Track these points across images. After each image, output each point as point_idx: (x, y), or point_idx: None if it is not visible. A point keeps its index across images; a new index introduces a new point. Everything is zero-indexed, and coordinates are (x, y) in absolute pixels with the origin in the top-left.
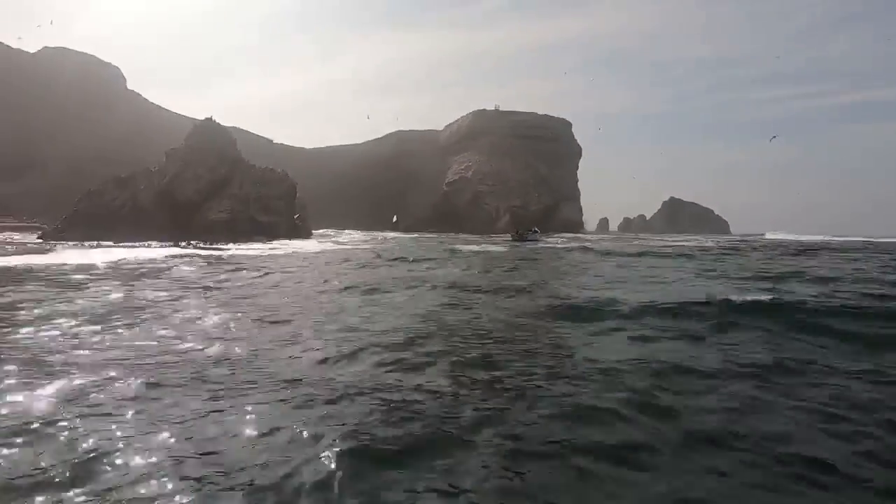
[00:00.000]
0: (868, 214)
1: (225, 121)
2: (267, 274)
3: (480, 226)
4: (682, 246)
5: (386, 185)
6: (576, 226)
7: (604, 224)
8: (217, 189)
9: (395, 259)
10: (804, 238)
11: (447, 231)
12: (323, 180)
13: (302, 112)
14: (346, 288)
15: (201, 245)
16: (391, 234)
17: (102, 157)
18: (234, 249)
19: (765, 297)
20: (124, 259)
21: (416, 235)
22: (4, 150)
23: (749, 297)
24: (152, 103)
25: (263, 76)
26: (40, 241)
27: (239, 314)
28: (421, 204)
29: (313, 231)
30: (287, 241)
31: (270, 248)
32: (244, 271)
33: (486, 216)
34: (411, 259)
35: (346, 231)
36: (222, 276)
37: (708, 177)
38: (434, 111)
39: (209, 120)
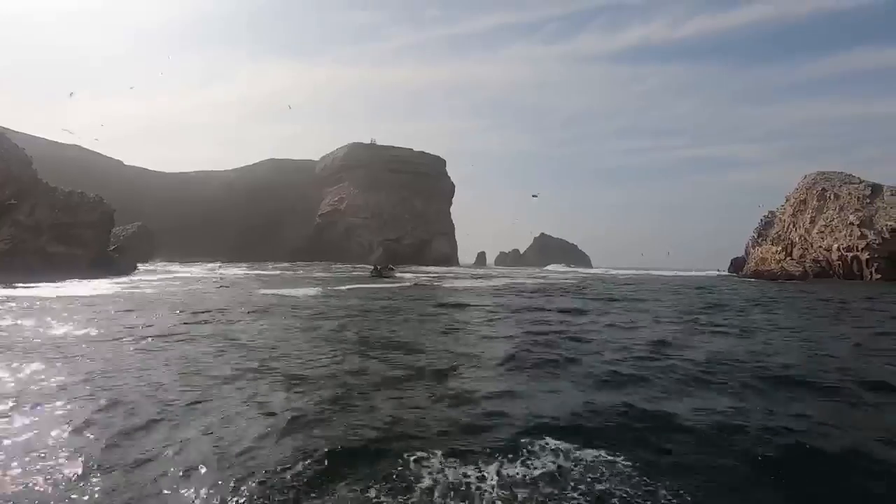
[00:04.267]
0: (693, 249)
1: (71, 139)
2: None
3: (354, 258)
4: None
5: (259, 214)
6: (449, 259)
7: (482, 258)
8: None
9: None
10: (591, 272)
11: (325, 261)
12: (186, 207)
13: (179, 135)
14: None
15: None
16: (230, 272)
17: None
18: None
19: None
20: None
21: (272, 271)
22: None
23: None
24: None
25: (135, 93)
26: None
27: None
28: (296, 235)
29: (141, 265)
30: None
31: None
32: None
33: (359, 249)
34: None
35: (188, 265)
36: None
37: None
38: (313, 141)
39: None
